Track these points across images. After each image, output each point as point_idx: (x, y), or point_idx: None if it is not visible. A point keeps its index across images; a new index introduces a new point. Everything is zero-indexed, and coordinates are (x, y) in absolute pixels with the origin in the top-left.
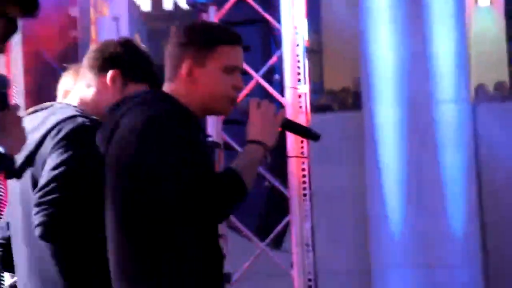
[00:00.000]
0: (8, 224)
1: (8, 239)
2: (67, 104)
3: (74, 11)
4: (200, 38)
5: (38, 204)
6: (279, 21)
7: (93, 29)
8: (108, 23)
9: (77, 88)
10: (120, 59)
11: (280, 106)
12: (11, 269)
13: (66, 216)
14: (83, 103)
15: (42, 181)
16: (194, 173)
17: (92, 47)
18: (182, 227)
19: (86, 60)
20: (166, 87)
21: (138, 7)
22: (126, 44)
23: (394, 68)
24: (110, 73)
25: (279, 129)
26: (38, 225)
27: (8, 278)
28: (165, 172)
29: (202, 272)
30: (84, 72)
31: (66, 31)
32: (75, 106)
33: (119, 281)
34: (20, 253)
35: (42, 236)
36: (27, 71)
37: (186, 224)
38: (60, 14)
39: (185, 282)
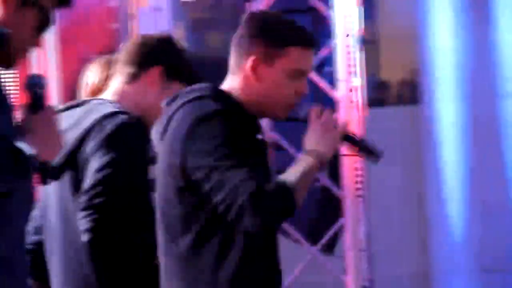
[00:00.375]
0: (36, 228)
1: (36, 244)
2: (103, 100)
3: (114, 2)
4: (272, 34)
5: (84, 208)
6: (330, 9)
7: (133, 21)
8: (149, 14)
9: (112, 82)
10: (164, 55)
11: (331, 100)
12: (40, 277)
13: (113, 221)
14: (120, 99)
15: (87, 183)
16: (246, 178)
17: (132, 40)
18: (227, 233)
19: (125, 54)
20: (228, 81)
21: None
22: (168, 41)
23: (456, 59)
24: (153, 70)
25: (339, 143)
26: (86, 230)
27: None
28: (213, 177)
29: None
30: (122, 66)
31: (106, 24)
32: (113, 102)
33: (170, 281)
34: (55, 258)
35: (91, 242)
36: (63, 68)
37: (230, 230)
38: (99, 4)
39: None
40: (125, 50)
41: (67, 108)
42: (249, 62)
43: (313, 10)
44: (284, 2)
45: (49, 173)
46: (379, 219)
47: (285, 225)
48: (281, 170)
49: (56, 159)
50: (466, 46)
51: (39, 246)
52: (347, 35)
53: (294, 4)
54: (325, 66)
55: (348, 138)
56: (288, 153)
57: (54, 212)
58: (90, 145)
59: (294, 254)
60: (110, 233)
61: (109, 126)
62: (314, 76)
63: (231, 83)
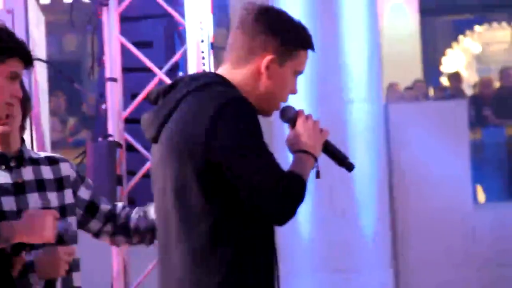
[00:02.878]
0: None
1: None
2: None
3: None
4: (288, 35)
5: None
6: (183, 16)
7: None
8: (4, 16)
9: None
10: None
11: None
12: None
13: None
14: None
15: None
16: (270, 167)
17: None
18: (249, 222)
19: None
20: (226, 71)
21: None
22: None
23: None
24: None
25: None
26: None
27: None
28: (241, 165)
29: (261, 254)
30: None
31: None
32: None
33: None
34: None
35: None
36: None
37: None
38: None
39: (249, 260)
40: None
41: None
42: (265, 60)
43: (167, 16)
44: (138, 7)
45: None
46: None
47: None
48: (133, 171)
49: None
50: (314, 53)
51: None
52: (202, 41)
53: (150, 9)
54: (178, 71)
55: (328, 144)
56: (140, 154)
57: None
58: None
59: None
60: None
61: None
62: (168, 80)
63: (233, 76)
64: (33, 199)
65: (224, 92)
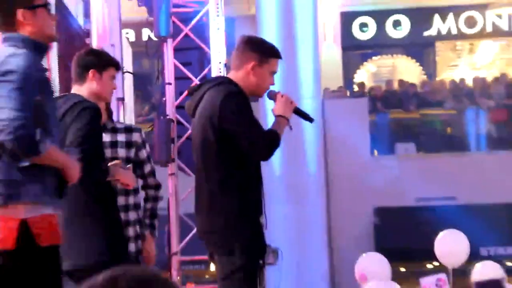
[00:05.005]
0: None
1: None
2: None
3: None
4: (265, 49)
5: None
6: (209, 47)
7: None
8: (109, 48)
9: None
10: None
11: None
12: None
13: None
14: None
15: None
16: (258, 129)
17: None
18: (247, 160)
19: None
20: (233, 73)
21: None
22: None
23: None
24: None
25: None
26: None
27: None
28: (243, 130)
29: (254, 189)
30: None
31: None
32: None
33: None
34: None
35: None
36: None
37: (249, 158)
38: None
39: (248, 201)
40: None
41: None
42: (250, 64)
43: (200, 48)
44: (184, 43)
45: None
46: None
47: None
48: (180, 135)
49: None
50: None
51: None
52: (219, 62)
53: (190, 44)
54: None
55: (296, 108)
56: (184, 126)
57: None
58: None
59: None
60: None
61: None
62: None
63: (235, 77)
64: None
65: (227, 88)
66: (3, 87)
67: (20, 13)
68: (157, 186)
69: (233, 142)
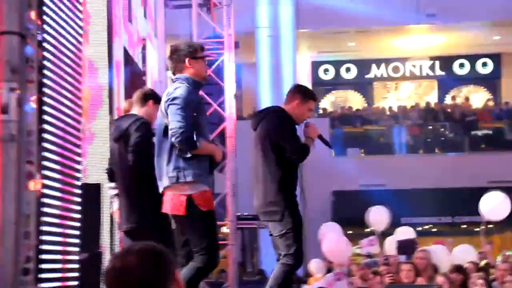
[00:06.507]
0: None
1: None
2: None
3: None
4: (307, 93)
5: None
6: (223, 83)
7: None
8: (157, 85)
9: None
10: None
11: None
12: None
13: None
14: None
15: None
16: (297, 142)
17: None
18: (290, 164)
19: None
20: (285, 105)
21: None
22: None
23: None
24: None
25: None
26: None
27: None
28: (288, 142)
29: (294, 178)
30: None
31: None
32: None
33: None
34: None
35: None
36: None
37: (292, 162)
38: None
39: (289, 185)
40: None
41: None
42: (296, 102)
43: (217, 83)
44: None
45: None
46: None
47: None
48: None
49: None
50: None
51: None
52: (231, 94)
53: (210, 81)
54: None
55: (320, 135)
56: None
57: None
58: None
59: None
60: None
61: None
62: (218, 109)
63: (285, 107)
64: None
65: (280, 114)
66: (172, 108)
67: (187, 61)
68: None
69: (282, 149)
